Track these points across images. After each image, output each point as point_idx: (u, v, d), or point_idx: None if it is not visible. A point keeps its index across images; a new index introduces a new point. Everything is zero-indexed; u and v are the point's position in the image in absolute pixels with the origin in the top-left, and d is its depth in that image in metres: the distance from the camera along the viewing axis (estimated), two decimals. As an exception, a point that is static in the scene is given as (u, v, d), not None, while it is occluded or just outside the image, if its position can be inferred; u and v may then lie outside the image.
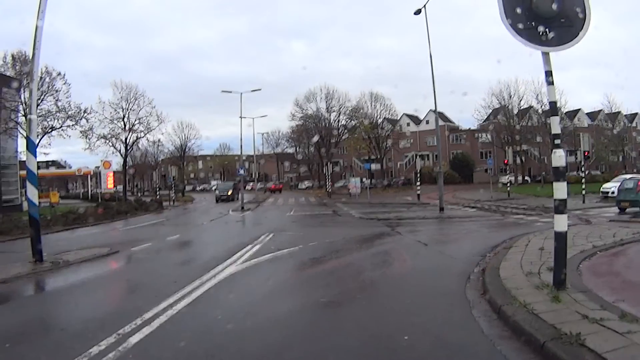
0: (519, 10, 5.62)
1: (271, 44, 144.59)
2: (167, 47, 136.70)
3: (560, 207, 5.73)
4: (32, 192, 10.38)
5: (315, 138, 60.43)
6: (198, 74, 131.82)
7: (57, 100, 28.92)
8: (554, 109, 5.98)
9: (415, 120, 72.92)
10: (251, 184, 69.84)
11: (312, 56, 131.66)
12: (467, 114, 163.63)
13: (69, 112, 29.31)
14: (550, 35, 5.53)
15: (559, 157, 5.77)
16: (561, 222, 5.72)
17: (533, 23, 5.57)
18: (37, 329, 5.58)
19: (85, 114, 31.26)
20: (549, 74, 5.67)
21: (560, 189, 5.77)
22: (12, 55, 27.80)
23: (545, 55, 5.66)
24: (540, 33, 5.53)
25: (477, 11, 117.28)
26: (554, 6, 5.52)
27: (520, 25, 5.62)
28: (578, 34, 5.54)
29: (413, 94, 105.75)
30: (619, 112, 62.81)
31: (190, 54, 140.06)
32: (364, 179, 44.18)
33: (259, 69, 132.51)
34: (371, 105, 60.91)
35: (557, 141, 5.88)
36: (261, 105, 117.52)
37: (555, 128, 5.96)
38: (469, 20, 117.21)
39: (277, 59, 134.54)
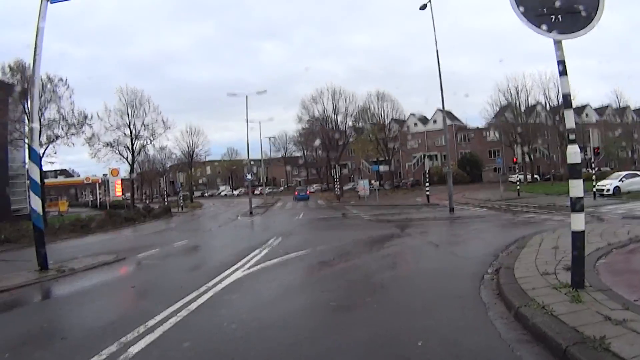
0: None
1: (244, 46, 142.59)
2: (143, 54, 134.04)
3: (577, 205, 5.45)
4: (36, 202, 10.34)
5: (318, 142, 60.31)
6: (181, 79, 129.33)
7: (59, 108, 28.72)
8: (567, 101, 5.64)
9: (423, 120, 72.47)
10: (259, 188, 69.79)
11: (290, 57, 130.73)
12: (472, 113, 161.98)
13: (71, 121, 29.13)
14: (562, 21, 5.28)
15: (574, 154, 5.47)
16: (578, 221, 5.43)
17: (545, 10, 5.32)
18: (38, 339, 5.47)
19: (87, 121, 31.10)
20: (561, 63, 5.39)
21: (576, 187, 5.48)
22: (10, 66, 26.99)
23: (558, 43, 5.38)
24: (552, 20, 5.28)
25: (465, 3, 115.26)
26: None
27: (532, 12, 5.37)
28: (592, 19, 5.25)
29: (407, 92, 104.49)
30: (627, 107, 62.09)
31: (167, 60, 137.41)
32: (373, 181, 43.98)
33: (240, 73, 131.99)
34: (378, 106, 60.66)
35: (572, 136, 5.57)
36: (252, 109, 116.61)
37: (570, 122, 5.63)
38: (459, 16, 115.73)
39: (255, 62, 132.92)
